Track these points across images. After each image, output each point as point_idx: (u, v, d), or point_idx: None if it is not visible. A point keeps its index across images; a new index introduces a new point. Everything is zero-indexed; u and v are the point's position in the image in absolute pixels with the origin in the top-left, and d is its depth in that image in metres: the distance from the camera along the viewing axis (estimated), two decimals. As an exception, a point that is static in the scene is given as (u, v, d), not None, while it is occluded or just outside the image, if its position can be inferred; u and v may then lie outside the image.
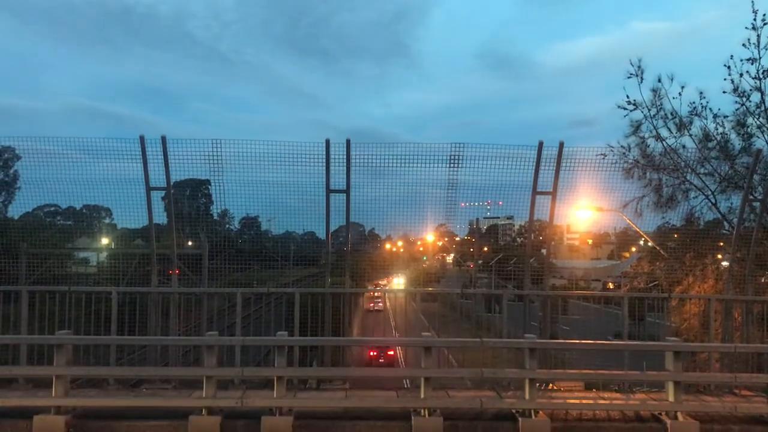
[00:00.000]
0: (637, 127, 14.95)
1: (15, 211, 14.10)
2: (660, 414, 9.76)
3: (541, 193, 12.22)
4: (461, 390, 10.85)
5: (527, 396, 9.61)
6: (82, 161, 12.26)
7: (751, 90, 14.29)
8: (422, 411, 9.44)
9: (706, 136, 14.67)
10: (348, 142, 11.84)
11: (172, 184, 12.06)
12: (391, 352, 30.47)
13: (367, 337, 18.19)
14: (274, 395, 9.48)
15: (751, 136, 14.61)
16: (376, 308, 34.68)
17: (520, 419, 9.41)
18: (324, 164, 11.92)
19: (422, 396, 9.55)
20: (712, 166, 14.49)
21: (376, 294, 32.91)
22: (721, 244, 14.47)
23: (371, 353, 29.09)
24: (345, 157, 11.89)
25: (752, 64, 14.07)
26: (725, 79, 14.37)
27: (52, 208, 15.21)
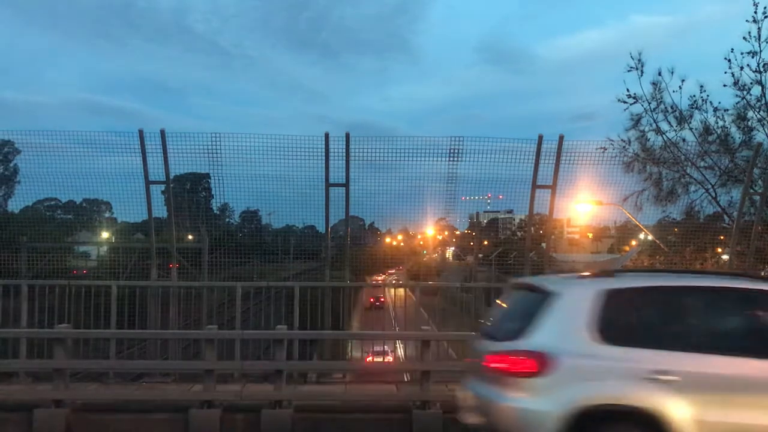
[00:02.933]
0: (637, 121, 14.90)
1: (15, 205, 14.13)
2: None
3: (541, 186, 12.18)
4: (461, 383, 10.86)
5: (526, 389, 9.60)
6: (81, 155, 12.26)
7: (751, 83, 14.24)
8: (422, 404, 9.45)
9: (707, 130, 14.63)
10: (347, 135, 11.82)
11: (171, 178, 12.05)
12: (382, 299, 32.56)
13: (366, 331, 18.19)
14: (274, 388, 9.49)
15: (751, 129, 14.57)
16: (377, 303, 34.43)
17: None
18: (323, 158, 11.90)
19: (422, 389, 9.57)
20: (712, 159, 14.46)
21: (376, 284, 32.95)
22: (722, 237, 14.45)
23: (371, 299, 31.22)
24: (344, 150, 11.86)
25: (753, 57, 14.01)
26: (725, 73, 14.31)
27: (52, 202, 15.27)
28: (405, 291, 14.11)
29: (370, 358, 12.85)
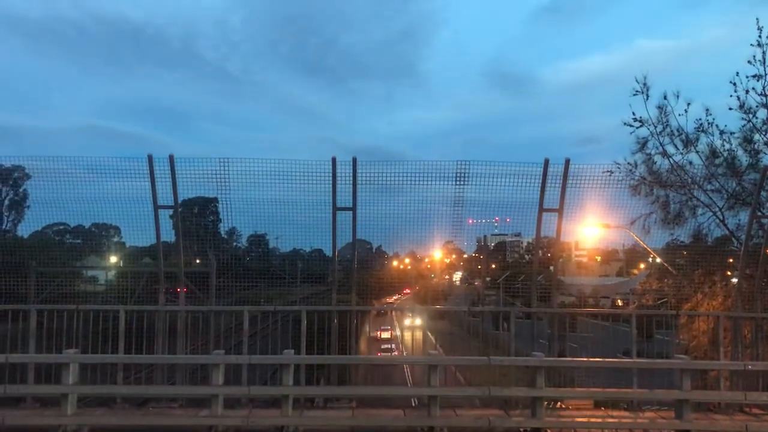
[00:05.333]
0: (643, 144, 14.92)
1: (24, 230, 14.20)
2: (669, 433, 9.68)
3: (548, 210, 12.21)
4: (469, 408, 10.80)
5: (535, 414, 9.55)
6: (91, 180, 12.37)
7: (757, 106, 14.25)
8: (429, 430, 9.39)
9: (713, 153, 14.62)
10: (354, 160, 11.89)
11: (180, 202, 12.13)
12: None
13: (373, 355, 18.13)
14: (281, 414, 9.46)
15: (758, 152, 14.54)
16: (382, 337, 33.92)
17: (528, 438, 9.36)
18: (331, 182, 11.96)
19: (429, 415, 9.52)
20: (719, 182, 14.43)
21: (383, 334, 32.99)
22: (730, 261, 14.38)
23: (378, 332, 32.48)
24: (351, 174, 11.93)
25: (758, 80, 14.04)
26: (731, 96, 14.34)
27: (61, 227, 15.31)
28: (416, 336, 14.03)
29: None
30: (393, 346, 32.94)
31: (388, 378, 11.61)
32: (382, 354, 30.98)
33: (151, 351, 11.80)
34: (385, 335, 32.20)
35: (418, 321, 13.44)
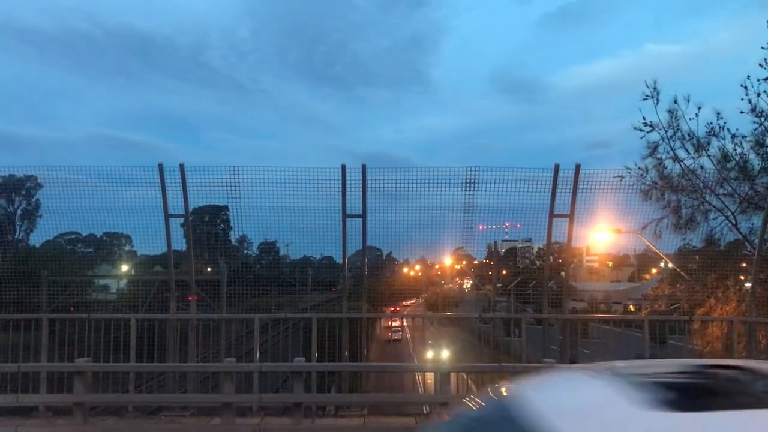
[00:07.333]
0: (654, 149, 14.80)
1: (36, 239, 14.29)
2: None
3: (559, 215, 12.15)
4: (481, 415, 10.72)
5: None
6: (102, 189, 12.45)
7: (769, 110, 14.14)
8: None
9: (725, 157, 14.49)
10: (364, 167, 11.89)
11: (190, 210, 12.16)
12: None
13: (384, 363, 18.07)
14: (293, 422, 9.44)
15: (770, 156, 14.42)
16: (395, 338, 37.31)
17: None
18: (340, 189, 11.96)
19: (441, 422, 9.47)
20: (731, 186, 14.30)
21: (393, 323, 36.09)
22: (744, 265, 14.25)
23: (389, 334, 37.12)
24: (361, 182, 11.92)
25: (769, 84, 13.94)
26: (742, 99, 14.22)
27: (73, 236, 15.38)
28: (423, 322, 13.99)
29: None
30: (400, 331, 40.04)
31: (400, 384, 11.56)
32: (392, 335, 37.74)
33: (163, 359, 11.82)
34: (395, 324, 37.64)
35: (444, 352, 13.38)
